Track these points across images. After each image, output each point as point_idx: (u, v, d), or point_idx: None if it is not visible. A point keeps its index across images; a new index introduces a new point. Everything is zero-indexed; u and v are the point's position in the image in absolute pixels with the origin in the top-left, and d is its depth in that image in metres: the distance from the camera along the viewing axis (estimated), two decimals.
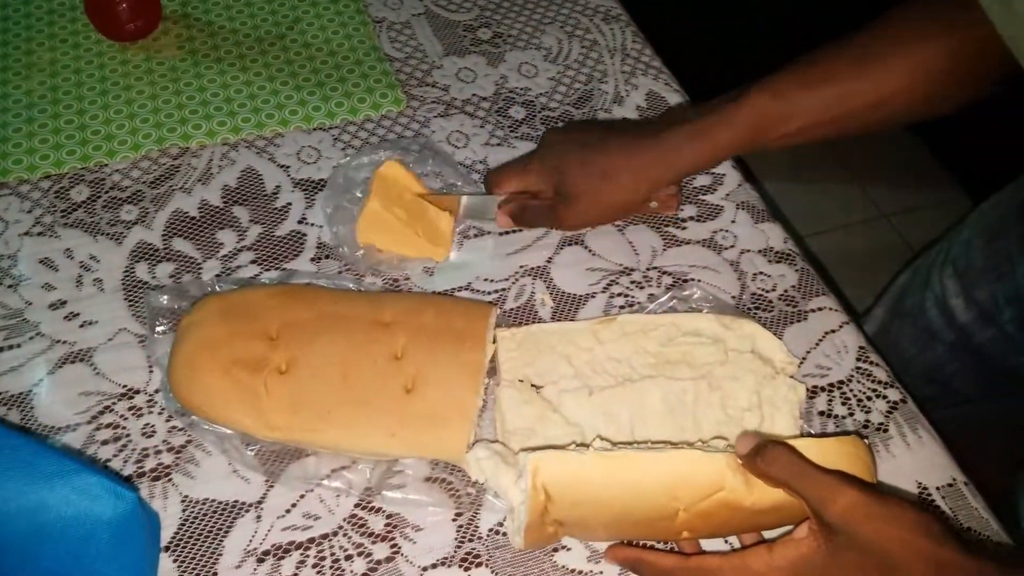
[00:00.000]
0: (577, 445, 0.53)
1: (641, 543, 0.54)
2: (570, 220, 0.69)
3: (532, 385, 0.60)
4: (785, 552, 0.47)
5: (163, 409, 0.60)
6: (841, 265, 1.49)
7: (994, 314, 0.80)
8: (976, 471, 0.62)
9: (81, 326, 0.64)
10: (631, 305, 0.68)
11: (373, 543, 0.55)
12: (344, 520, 0.56)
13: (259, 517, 0.56)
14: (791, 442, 0.48)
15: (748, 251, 0.72)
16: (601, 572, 0.55)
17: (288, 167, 0.75)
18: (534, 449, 0.51)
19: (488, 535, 0.56)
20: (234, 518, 0.56)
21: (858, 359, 0.66)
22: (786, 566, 0.46)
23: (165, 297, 0.63)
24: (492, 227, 0.72)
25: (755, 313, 0.68)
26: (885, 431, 0.62)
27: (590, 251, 0.71)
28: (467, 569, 0.55)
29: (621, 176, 0.66)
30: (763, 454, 0.47)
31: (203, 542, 0.55)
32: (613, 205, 0.69)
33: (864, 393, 0.64)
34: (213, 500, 0.56)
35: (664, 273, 0.70)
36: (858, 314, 0.98)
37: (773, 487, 0.48)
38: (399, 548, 0.55)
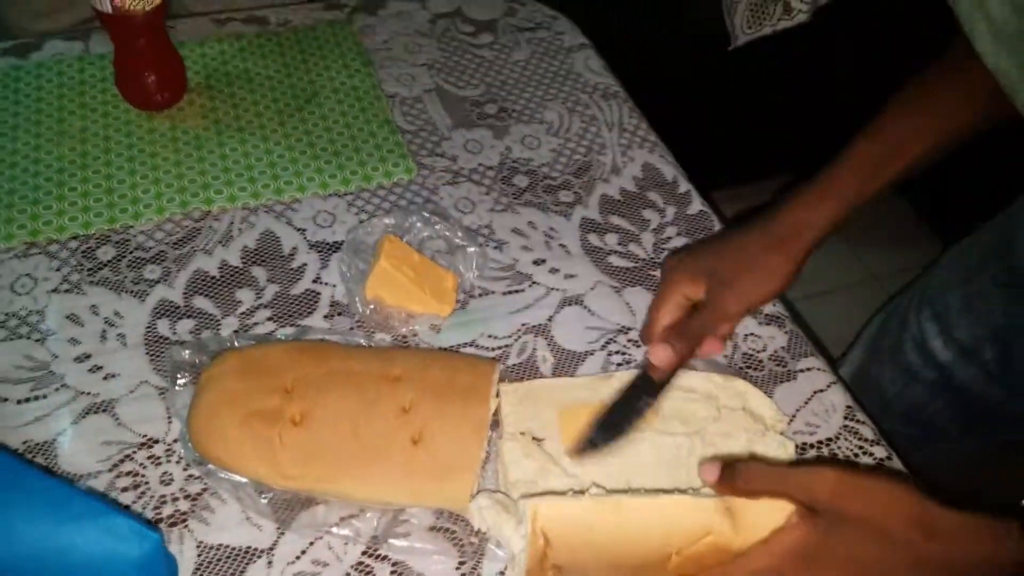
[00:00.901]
0: (574, 492, 0.56)
1: None
2: (731, 302, 0.67)
3: (533, 438, 0.63)
4: (781, 541, 0.50)
5: (180, 458, 0.63)
6: (832, 325, 1.52)
7: (975, 353, 0.82)
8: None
9: (104, 378, 0.67)
10: (628, 362, 0.71)
11: None
12: (351, 567, 0.58)
13: (270, 563, 0.58)
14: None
15: None
16: None
17: (305, 230, 0.80)
18: (534, 495, 0.53)
19: None
20: (247, 563, 0.58)
21: (845, 417, 0.69)
22: (787, 551, 0.50)
23: (187, 351, 0.66)
24: (501, 286, 0.76)
25: (746, 372, 0.72)
26: None
27: (589, 311, 0.75)
28: None
29: (767, 259, 0.68)
30: (741, 474, 0.51)
31: None
32: (766, 284, 0.68)
33: (851, 450, 0.67)
34: (227, 546, 0.59)
35: None
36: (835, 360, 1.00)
37: (757, 500, 0.51)
38: None
